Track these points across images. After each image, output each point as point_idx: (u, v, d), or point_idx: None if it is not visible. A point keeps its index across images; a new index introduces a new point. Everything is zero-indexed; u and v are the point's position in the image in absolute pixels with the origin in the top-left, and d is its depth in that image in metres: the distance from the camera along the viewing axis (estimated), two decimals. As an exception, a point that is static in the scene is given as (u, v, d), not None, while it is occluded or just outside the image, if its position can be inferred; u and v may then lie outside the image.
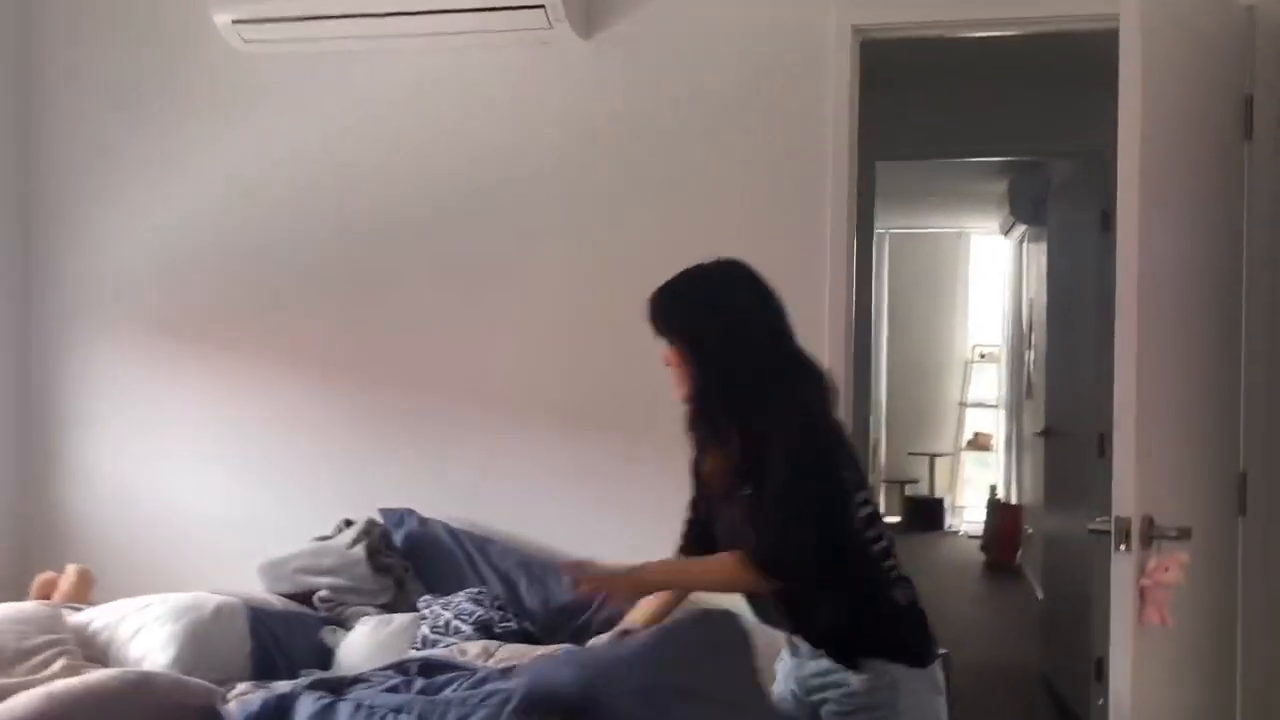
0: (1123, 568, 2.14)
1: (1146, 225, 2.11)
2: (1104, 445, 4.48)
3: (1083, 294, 4.77)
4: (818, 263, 3.09)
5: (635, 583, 2.22)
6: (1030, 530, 7.50)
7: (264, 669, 2.70)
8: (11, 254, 3.56)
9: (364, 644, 2.81)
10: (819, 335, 2.97)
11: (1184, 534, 2.15)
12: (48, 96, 3.58)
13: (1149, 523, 2.13)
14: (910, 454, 9.68)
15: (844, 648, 2.13)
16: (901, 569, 2.17)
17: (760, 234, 3.02)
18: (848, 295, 3.06)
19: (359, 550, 3.01)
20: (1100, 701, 4.44)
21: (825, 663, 2.15)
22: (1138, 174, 2.11)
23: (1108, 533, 2.15)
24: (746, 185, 3.17)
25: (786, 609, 2.20)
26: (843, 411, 2.41)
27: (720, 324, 2.13)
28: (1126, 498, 2.12)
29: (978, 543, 8.50)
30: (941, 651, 2.18)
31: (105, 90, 3.55)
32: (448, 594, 3.04)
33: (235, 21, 3.19)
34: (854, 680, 2.09)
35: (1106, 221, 4.53)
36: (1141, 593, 2.12)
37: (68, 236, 3.57)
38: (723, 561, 2.13)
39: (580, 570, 2.23)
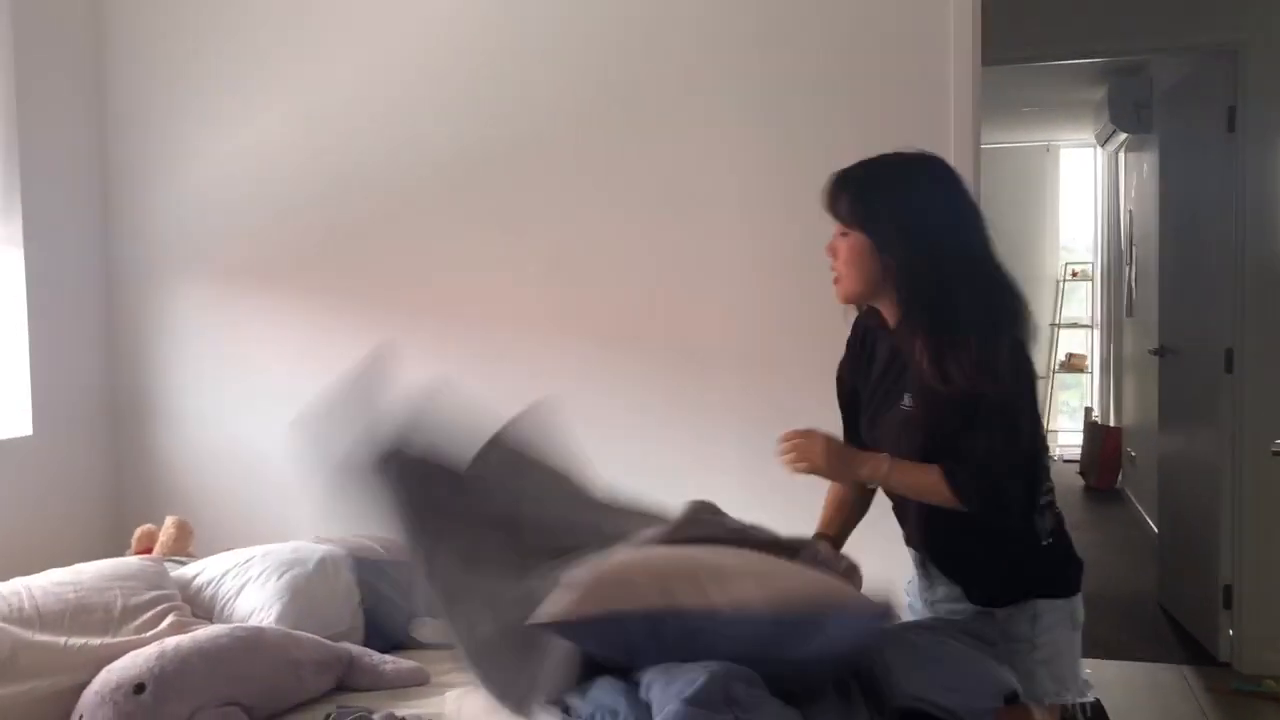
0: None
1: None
2: (1231, 362, 4.23)
3: (1205, 202, 4.47)
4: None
5: (839, 454, 1.95)
6: (1133, 453, 7.24)
7: (376, 619, 2.62)
8: (91, 206, 3.45)
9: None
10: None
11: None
12: (118, 50, 3.46)
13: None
14: (1000, 378, 9.34)
15: (983, 591, 2.00)
16: (1054, 492, 2.02)
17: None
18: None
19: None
20: (1230, 631, 4.25)
21: (958, 589, 2.02)
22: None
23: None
24: (863, 100, 2.94)
25: (928, 532, 2.05)
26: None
27: (928, 217, 1.92)
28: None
29: (1075, 467, 8.25)
30: None
31: (173, 43, 3.42)
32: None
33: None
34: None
35: (1233, 121, 4.24)
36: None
37: (145, 189, 3.45)
38: (934, 478, 1.89)
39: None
